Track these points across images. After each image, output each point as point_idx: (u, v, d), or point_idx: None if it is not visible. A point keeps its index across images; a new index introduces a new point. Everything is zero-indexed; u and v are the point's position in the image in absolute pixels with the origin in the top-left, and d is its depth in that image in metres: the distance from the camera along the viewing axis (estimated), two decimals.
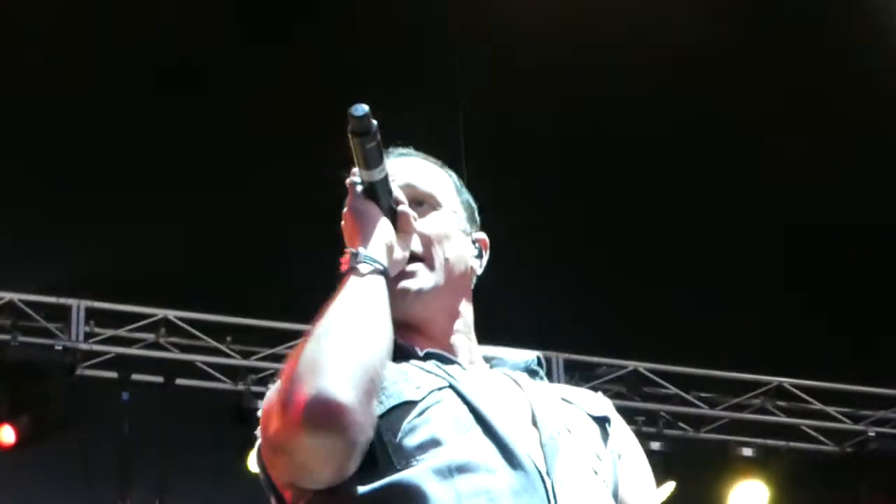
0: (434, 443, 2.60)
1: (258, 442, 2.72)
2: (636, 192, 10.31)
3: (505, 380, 2.88)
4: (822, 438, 10.68)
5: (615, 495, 2.83)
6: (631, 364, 10.27)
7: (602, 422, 2.90)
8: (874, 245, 10.42)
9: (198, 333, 9.97)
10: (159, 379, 9.83)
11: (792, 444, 10.63)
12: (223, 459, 9.49)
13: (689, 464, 10.27)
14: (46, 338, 9.72)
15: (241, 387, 9.75)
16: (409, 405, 2.66)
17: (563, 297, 9.82)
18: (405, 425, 2.63)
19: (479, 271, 2.91)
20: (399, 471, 2.58)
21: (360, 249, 2.71)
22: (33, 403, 9.53)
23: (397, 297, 2.76)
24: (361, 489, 2.61)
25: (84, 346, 9.78)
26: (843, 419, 10.65)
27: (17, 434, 9.47)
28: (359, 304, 2.66)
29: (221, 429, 9.62)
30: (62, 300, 9.79)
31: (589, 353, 10.29)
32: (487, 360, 2.95)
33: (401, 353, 2.76)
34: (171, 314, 9.91)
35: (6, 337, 9.63)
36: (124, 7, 9.79)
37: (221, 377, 9.99)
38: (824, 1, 9.88)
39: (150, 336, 9.92)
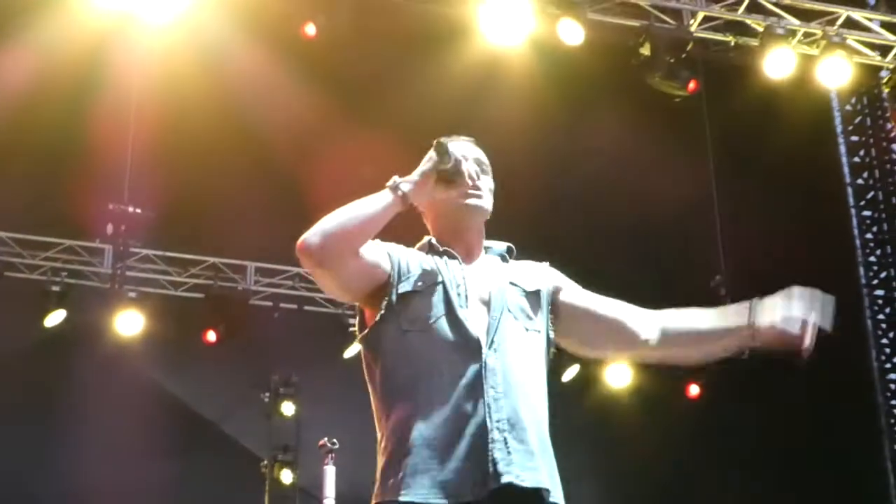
0: (424, 318, 2.89)
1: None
2: None
3: (482, 271, 3.03)
4: None
5: (557, 318, 3.05)
6: None
7: (536, 294, 3.04)
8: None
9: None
10: (294, 306, 10.77)
11: None
12: (328, 350, 10.34)
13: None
14: (232, 283, 10.60)
15: (339, 310, 10.62)
16: (414, 293, 2.92)
17: None
18: (410, 305, 2.91)
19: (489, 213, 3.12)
20: (404, 331, 2.89)
21: (400, 179, 2.93)
22: (226, 319, 10.25)
23: (470, 210, 3.05)
24: (387, 326, 2.92)
25: (253, 288, 10.65)
26: None
27: (217, 335, 10.21)
28: (367, 201, 2.88)
29: (328, 335, 10.48)
30: (241, 262, 10.71)
31: None
32: (486, 248, 3.12)
33: (435, 251, 3.03)
34: (302, 270, 10.38)
35: (211, 282, 10.45)
36: None
37: (329, 305, 10.77)
38: None
39: (289, 282, 10.83)
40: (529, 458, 2.80)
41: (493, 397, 2.80)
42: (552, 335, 3.04)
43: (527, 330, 2.96)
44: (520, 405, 2.83)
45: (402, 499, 2.74)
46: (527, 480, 2.77)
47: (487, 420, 2.77)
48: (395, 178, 2.90)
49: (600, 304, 3.13)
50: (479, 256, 3.08)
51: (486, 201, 3.06)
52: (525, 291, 3.02)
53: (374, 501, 2.83)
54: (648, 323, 3.11)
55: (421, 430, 2.78)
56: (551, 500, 2.83)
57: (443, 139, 2.95)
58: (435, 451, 2.76)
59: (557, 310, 3.08)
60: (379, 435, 2.90)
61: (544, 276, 3.12)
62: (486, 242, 3.14)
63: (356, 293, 2.91)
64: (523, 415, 2.83)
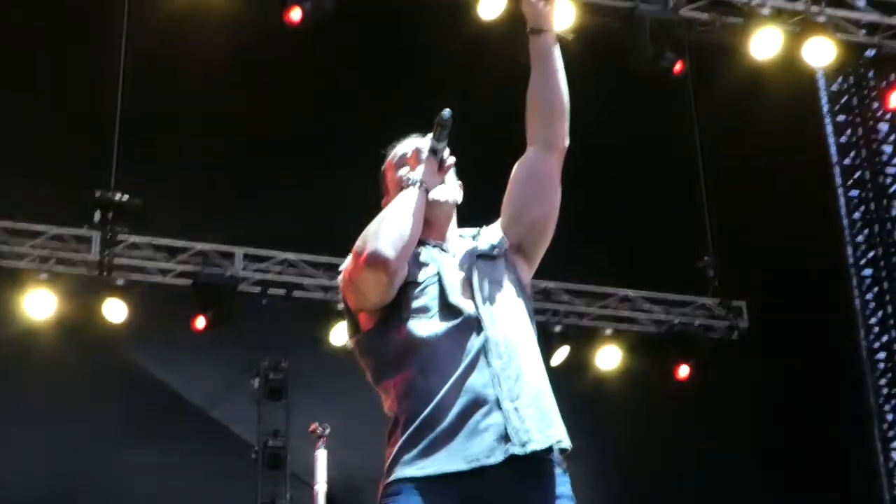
0: (425, 308, 2.99)
1: (341, 293, 3.09)
2: None
3: (459, 256, 3.12)
4: (649, 324, 11.35)
5: (521, 249, 3.19)
6: (545, 282, 10.91)
7: (502, 254, 3.16)
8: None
9: (304, 266, 10.62)
10: (282, 292, 10.58)
11: (632, 327, 11.29)
12: (317, 336, 10.19)
13: (576, 338, 10.91)
14: (221, 269, 10.39)
15: (328, 296, 10.46)
16: (415, 284, 3.01)
17: None
18: (413, 294, 3.00)
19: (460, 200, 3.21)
20: (406, 319, 2.97)
21: (415, 175, 3.05)
22: (214, 306, 10.04)
23: (438, 204, 3.13)
24: (389, 322, 2.99)
25: (241, 274, 10.41)
26: (660, 313, 11.33)
27: (206, 322, 9.93)
28: (406, 204, 2.98)
29: (317, 320, 10.33)
30: (232, 248, 10.50)
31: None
32: (461, 236, 3.21)
33: (424, 243, 3.09)
34: (290, 256, 10.58)
35: (199, 269, 10.26)
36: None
37: (318, 290, 10.59)
38: None
39: (278, 268, 10.62)
40: (541, 419, 2.90)
41: (501, 367, 2.89)
42: (524, 281, 3.15)
43: (503, 287, 3.05)
44: (523, 369, 2.93)
45: (419, 473, 2.81)
46: (542, 441, 2.87)
47: (498, 391, 2.86)
48: (408, 176, 3.02)
49: (512, 193, 3.19)
50: (455, 243, 3.17)
51: (450, 192, 3.15)
52: (492, 256, 3.12)
53: (388, 479, 2.87)
54: (532, 149, 3.17)
55: (434, 410, 2.84)
56: (562, 446, 2.93)
57: (447, 112, 3.01)
58: (450, 428, 2.82)
59: (519, 242, 3.17)
60: (390, 415, 2.96)
61: (495, 232, 3.21)
62: (459, 231, 3.22)
63: (392, 296, 2.96)
64: (528, 377, 2.94)
